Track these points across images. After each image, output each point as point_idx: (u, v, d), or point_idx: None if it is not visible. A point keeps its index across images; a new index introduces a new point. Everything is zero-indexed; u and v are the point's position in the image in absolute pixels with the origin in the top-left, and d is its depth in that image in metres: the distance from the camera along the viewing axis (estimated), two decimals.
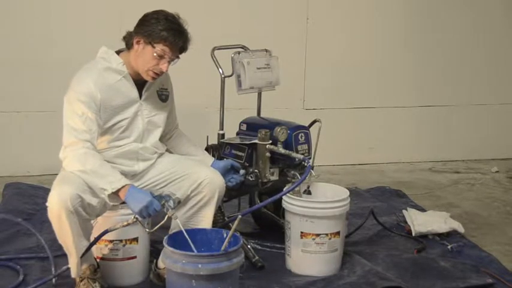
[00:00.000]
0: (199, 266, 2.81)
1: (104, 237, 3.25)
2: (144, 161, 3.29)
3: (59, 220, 2.96)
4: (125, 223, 3.05)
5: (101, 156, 3.08)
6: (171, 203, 2.97)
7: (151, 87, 3.29)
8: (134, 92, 3.22)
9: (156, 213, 2.96)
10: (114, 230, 3.09)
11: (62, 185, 2.99)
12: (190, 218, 3.28)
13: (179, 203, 3.12)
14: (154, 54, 3.10)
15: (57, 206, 2.93)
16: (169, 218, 2.98)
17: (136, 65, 3.17)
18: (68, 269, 3.13)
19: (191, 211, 3.27)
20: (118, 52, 3.26)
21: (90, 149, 3.05)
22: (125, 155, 3.24)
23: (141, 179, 3.29)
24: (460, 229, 4.09)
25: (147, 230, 3.13)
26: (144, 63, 3.14)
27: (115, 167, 3.12)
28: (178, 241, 2.96)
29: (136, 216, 2.97)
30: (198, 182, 3.24)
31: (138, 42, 3.14)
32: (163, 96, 3.37)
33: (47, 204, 2.97)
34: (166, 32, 3.10)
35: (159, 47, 3.10)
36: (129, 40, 3.21)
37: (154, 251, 3.43)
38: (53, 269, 3.35)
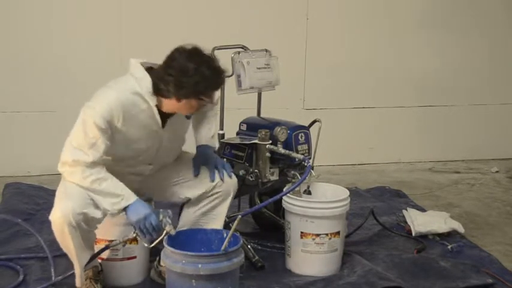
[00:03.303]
0: (199, 266, 2.81)
1: (104, 237, 3.26)
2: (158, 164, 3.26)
3: (62, 234, 2.95)
4: (125, 239, 3.06)
5: (102, 172, 2.96)
6: (168, 219, 2.96)
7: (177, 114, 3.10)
8: (157, 125, 3.04)
9: (152, 227, 2.92)
10: (114, 246, 3.12)
11: (65, 200, 2.94)
12: (202, 215, 3.30)
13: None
14: (201, 101, 2.95)
15: (60, 220, 2.90)
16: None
17: (174, 111, 3.01)
18: (73, 274, 3.14)
19: (204, 208, 3.30)
20: (149, 68, 3.02)
21: (91, 169, 2.93)
22: (137, 171, 3.20)
23: (153, 174, 3.26)
24: (460, 229, 4.09)
25: (146, 244, 3.10)
26: (188, 110, 2.99)
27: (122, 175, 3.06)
28: (178, 241, 2.97)
29: (136, 231, 2.97)
30: (212, 185, 3.25)
31: (179, 100, 2.91)
32: (190, 114, 3.17)
33: (50, 218, 2.95)
34: (208, 88, 2.92)
35: (207, 96, 2.95)
36: (157, 87, 2.94)
37: (154, 251, 3.42)
38: (52, 269, 3.34)
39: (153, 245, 3.05)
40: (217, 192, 3.29)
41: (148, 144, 3.09)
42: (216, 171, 3.29)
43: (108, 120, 2.89)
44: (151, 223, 2.91)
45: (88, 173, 2.93)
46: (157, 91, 2.93)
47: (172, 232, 2.97)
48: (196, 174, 3.29)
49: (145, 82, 2.94)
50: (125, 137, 2.98)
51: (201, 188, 3.28)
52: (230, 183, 3.32)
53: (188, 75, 2.85)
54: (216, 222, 3.31)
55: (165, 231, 2.96)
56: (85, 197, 2.95)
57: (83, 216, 2.93)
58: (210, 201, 3.30)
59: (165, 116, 3.05)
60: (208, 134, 3.41)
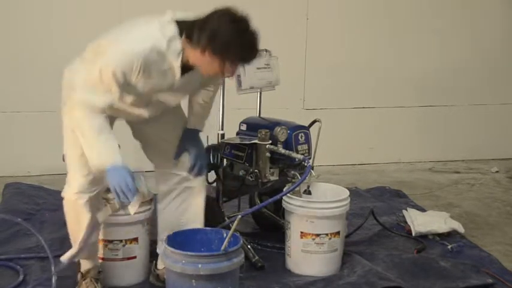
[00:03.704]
0: (199, 266, 2.81)
1: (104, 238, 3.26)
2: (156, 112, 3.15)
3: (74, 207, 3.06)
4: (108, 206, 3.00)
5: (106, 123, 2.89)
6: (144, 181, 2.97)
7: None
8: (176, 81, 2.94)
9: (128, 189, 2.83)
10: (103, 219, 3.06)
11: (77, 173, 3.02)
12: (180, 215, 3.30)
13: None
14: (223, 66, 2.82)
15: (74, 193, 3.03)
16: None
17: (194, 62, 2.87)
18: (72, 271, 3.16)
19: (179, 210, 3.31)
20: (181, 26, 2.89)
21: (98, 116, 2.87)
22: (133, 117, 3.13)
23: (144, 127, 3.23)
24: (460, 229, 4.09)
25: (131, 211, 3.10)
26: (207, 68, 2.85)
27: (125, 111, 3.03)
28: (178, 241, 2.97)
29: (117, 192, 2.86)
30: (176, 177, 3.28)
31: (204, 52, 2.78)
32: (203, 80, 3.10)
33: (63, 194, 3.08)
34: (243, 53, 2.82)
35: (231, 64, 2.83)
36: (190, 32, 2.82)
37: (154, 251, 3.43)
38: (52, 268, 3.34)
39: (135, 211, 3.08)
40: (186, 182, 3.28)
41: (162, 95, 3.01)
42: (193, 162, 3.26)
43: (127, 73, 2.81)
44: (127, 184, 2.82)
45: (94, 119, 2.87)
46: (188, 36, 2.83)
47: (145, 193, 3.00)
48: (177, 158, 3.27)
49: (174, 43, 2.84)
50: (136, 89, 2.91)
51: (172, 167, 3.26)
52: (199, 179, 3.31)
53: (227, 33, 2.75)
54: (194, 214, 3.31)
55: (141, 194, 2.97)
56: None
57: (96, 192, 3.04)
58: (179, 193, 3.30)
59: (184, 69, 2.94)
60: (203, 119, 3.36)
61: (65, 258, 3.14)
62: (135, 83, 2.85)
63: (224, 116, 3.88)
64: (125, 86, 2.86)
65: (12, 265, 3.51)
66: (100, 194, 3.12)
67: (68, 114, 2.98)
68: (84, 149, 2.90)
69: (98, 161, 2.88)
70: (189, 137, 3.29)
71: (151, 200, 3.38)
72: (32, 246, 3.73)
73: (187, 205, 3.30)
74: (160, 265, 3.31)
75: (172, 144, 3.26)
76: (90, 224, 3.06)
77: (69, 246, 3.74)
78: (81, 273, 3.24)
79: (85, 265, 3.24)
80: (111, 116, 2.99)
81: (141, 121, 3.15)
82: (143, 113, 3.07)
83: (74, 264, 3.20)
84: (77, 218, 3.10)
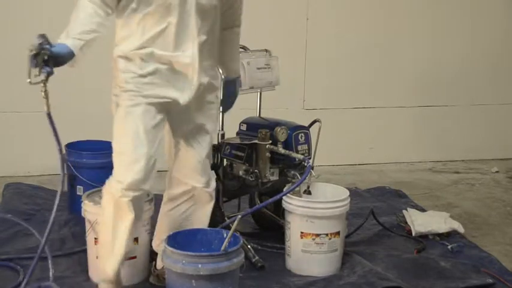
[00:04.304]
0: (199, 266, 2.81)
1: None
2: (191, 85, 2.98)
3: (118, 205, 2.93)
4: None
5: (93, 16, 2.84)
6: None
7: None
8: None
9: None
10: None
11: (129, 168, 2.93)
12: (185, 217, 3.29)
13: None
14: None
15: (122, 189, 2.91)
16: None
17: None
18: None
19: (185, 215, 3.28)
20: None
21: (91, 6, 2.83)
22: (165, 45, 2.91)
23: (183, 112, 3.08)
24: (460, 229, 4.09)
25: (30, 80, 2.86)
26: None
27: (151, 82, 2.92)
28: (178, 241, 2.97)
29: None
30: (191, 186, 3.23)
31: None
32: None
33: (106, 190, 2.98)
34: None
35: None
36: None
37: (154, 251, 3.42)
38: (51, 269, 3.34)
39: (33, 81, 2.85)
40: (193, 199, 3.26)
41: None
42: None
43: None
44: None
45: (85, 9, 2.88)
46: None
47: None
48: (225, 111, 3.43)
49: None
50: None
51: (191, 176, 3.21)
52: (210, 189, 3.27)
53: None
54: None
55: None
56: (152, 164, 2.95)
57: (143, 193, 2.99)
58: (188, 206, 3.28)
59: None
60: (237, 64, 3.42)
61: (108, 272, 3.01)
62: None
63: (224, 116, 3.88)
64: None
65: (12, 265, 3.51)
66: (145, 194, 3.09)
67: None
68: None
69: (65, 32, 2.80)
70: (231, 91, 3.42)
71: (152, 200, 3.38)
72: (32, 246, 3.72)
73: (193, 210, 3.29)
74: (159, 264, 3.31)
75: (206, 152, 3.23)
76: (132, 226, 2.98)
77: (70, 246, 3.76)
78: None
79: None
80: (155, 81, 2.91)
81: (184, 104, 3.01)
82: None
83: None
84: (119, 217, 2.97)
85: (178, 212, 3.29)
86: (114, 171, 3.01)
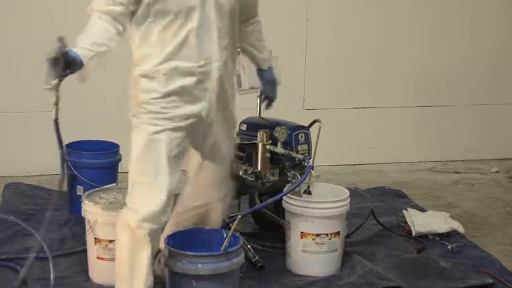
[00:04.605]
0: (199, 266, 2.82)
1: (103, 238, 3.26)
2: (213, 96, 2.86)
3: (134, 237, 2.76)
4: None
5: (105, 28, 2.71)
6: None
7: None
8: None
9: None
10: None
11: (150, 198, 2.74)
12: (194, 222, 3.22)
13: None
14: None
15: (138, 221, 2.74)
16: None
17: None
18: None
19: (199, 213, 3.22)
20: None
21: (104, 18, 2.70)
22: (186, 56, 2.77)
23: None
24: (460, 229, 4.09)
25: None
26: None
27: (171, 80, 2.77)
28: (178, 241, 2.97)
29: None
30: (208, 200, 3.15)
31: None
32: None
33: (125, 219, 2.79)
34: None
35: None
36: None
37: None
38: (51, 270, 3.34)
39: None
40: (213, 204, 3.18)
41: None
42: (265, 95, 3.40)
43: None
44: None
45: (97, 22, 2.71)
46: None
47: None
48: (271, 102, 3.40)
49: None
50: None
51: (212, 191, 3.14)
52: (225, 202, 3.23)
53: None
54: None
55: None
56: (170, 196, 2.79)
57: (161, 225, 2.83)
58: (202, 207, 3.19)
59: None
60: (266, 52, 3.36)
61: None
62: None
63: None
64: None
65: (12, 265, 3.50)
66: (163, 226, 2.90)
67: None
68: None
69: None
70: (268, 80, 3.42)
71: None
72: (31, 247, 3.72)
73: (205, 219, 3.21)
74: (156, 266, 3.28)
75: (227, 166, 3.17)
76: (151, 259, 2.82)
77: (70, 246, 3.76)
78: None
79: None
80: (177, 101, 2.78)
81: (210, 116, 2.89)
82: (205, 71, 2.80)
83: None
84: (135, 251, 2.79)
85: (188, 223, 3.20)
86: (130, 200, 2.83)
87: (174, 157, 2.81)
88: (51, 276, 3.29)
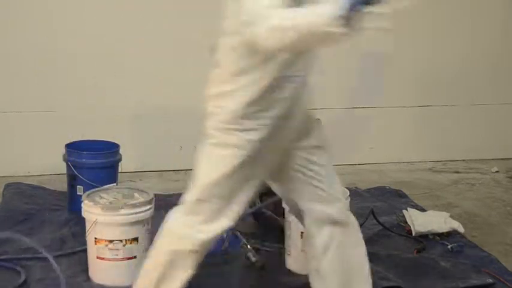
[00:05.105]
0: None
1: (104, 237, 3.26)
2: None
3: (178, 257, 2.54)
4: None
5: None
6: None
7: None
8: None
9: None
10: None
11: (219, 222, 2.50)
12: None
13: None
14: None
15: (196, 241, 2.51)
16: None
17: None
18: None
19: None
20: None
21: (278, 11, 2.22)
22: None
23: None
24: (460, 229, 4.09)
25: None
26: None
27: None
28: None
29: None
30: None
31: None
32: None
33: (176, 228, 2.54)
34: None
35: None
36: None
37: None
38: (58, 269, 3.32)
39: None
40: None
41: None
42: None
43: None
44: None
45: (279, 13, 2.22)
46: None
47: None
48: None
49: None
50: None
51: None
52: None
53: None
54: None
55: None
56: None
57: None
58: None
59: None
60: None
61: None
62: None
63: None
64: None
65: (12, 266, 3.50)
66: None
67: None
68: (299, 37, 2.21)
69: (321, 19, 2.19)
70: None
71: (152, 200, 3.38)
72: (31, 247, 3.72)
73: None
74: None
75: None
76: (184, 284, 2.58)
77: (70, 246, 3.76)
78: None
79: None
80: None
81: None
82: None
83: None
84: (173, 269, 2.57)
85: None
86: (191, 214, 2.54)
87: (254, 184, 2.58)
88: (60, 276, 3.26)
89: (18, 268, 3.45)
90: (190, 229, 2.53)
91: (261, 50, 2.30)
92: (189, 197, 2.54)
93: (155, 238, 2.66)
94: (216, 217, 2.51)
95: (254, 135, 2.48)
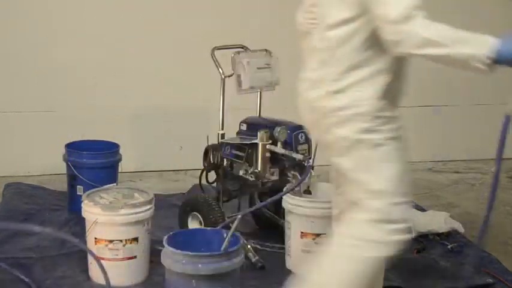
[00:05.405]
0: (200, 266, 2.81)
1: (104, 237, 3.26)
2: None
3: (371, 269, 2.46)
4: None
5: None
6: None
7: None
8: None
9: None
10: None
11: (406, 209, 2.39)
12: None
13: None
14: None
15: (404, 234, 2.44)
16: None
17: None
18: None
19: None
20: None
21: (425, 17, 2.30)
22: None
23: None
24: (460, 229, 4.09)
25: None
26: None
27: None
28: (178, 241, 2.97)
29: None
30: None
31: None
32: None
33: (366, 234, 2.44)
34: None
35: None
36: None
37: (154, 251, 3.42)
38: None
39: None
40: None
41: None
42: None
43: None
44: None
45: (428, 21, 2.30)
46: None
47: None
48: None
49: None
50: None
51: None
52: None
53: None
54: None
55: None
56: None
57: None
58: None
59: None
60: None
61: None
62: None
63: (224, 116, 3.88)
64: None
65: (12, 266, 3.50)
66: None
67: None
68: (443, 57, 2.38)
69: (479, 47, 2.29)
70: None
71: (152, 200, 3.38)
72: (31, 247, 3.72)
73: None
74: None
75: None
76: None
77: (70, 246, 3.76)
78: None
79: None
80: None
81: None
82: None
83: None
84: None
85: None
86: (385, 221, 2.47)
87: None
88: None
89: (18, 268, 3.45)
90: (381, 228, 2.51)
91: (392, 52, 2.40)
92: (377, 204, 2.43)
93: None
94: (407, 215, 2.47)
95: (398, 121, 2.60)
